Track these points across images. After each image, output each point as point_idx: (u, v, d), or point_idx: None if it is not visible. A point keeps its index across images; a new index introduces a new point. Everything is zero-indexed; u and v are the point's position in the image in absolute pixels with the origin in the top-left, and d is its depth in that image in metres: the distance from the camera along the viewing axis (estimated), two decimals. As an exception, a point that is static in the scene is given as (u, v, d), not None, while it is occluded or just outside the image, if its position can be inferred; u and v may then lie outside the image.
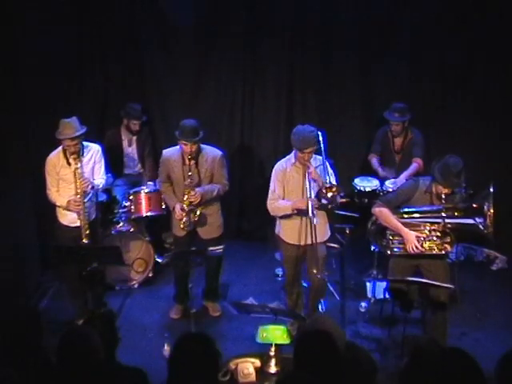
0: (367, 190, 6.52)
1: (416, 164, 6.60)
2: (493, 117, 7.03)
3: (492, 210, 4.77)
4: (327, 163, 5.37)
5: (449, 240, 5.01)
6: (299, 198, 5.34)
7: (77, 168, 5.48)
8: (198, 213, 5.68)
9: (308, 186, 5.24)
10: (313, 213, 5.12)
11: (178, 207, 5.67)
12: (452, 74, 7.05)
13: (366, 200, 6.40)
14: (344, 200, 6.28)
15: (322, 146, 5.35)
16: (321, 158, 5.35)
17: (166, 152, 5.77)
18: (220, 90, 7.39)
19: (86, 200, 5.60)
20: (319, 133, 5.37)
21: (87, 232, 5.55)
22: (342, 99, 7.34)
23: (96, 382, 3.23)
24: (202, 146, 5.69)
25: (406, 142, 6.77)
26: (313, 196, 5.22)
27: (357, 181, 6.70)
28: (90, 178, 5.66)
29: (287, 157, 5.50)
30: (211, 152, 5.72)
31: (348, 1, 7.03)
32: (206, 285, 6.15)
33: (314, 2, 7.05)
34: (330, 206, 5.37)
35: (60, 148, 5.57)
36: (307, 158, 5.26)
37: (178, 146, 5.66)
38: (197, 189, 5.59)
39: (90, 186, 5.58)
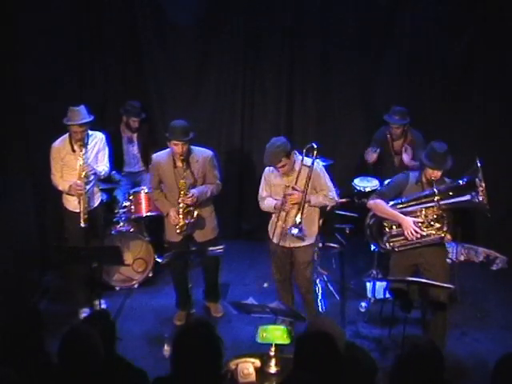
0: (367, 190, 6.51)
1: None
2: (493, 116, 7.03)
3: (484, 184, 4.80)
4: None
5: (446, 225, 5.03)
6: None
7: (81, 154, 5.66)
8: (195, 214, 5.57)
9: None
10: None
11: (172, 212, 5.56)
12: (452, 73, 7.05)
13: (366, 200, 6.38)
14: (344, 200, 6.29)
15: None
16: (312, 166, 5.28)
17: (156, 156, 5.69)
18: (220, 89, 7.39)
19: (87, 186, 5.74)
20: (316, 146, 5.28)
21: (86, 216, 5.69)
22: (341, 99, 7.34)
23: (96, 382, 3.23)
24: (192, 147, 5.61)
25: (405, 144, 6.77)
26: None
27: (356, 181, 6.70)
28: (94, 164, 5.82)
29: None
30: (202, 152, 5.63)
31: (348, 1, 7.04)
32: (205, 285, 6.12)
33: (313, 1, 7.06)
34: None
35: (66, 135, 5.77)
36: (283, 170, 5.24)
37: (167, 150, 5.58)
38: (191, 190, 5.52)
39: (92, 172, 5.75)
